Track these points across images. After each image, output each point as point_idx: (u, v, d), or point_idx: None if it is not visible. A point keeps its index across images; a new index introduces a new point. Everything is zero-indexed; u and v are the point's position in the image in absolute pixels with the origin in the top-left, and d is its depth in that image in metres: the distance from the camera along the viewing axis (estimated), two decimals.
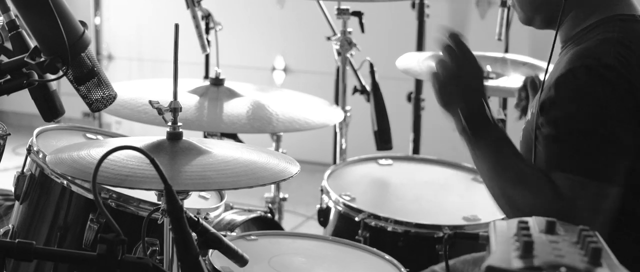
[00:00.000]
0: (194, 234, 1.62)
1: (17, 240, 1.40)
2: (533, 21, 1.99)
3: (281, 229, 2.78)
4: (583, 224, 1.58)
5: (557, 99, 1.79)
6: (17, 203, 2.35)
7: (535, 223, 1.34)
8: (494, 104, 3.29)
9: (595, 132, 1.76)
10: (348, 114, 3.28)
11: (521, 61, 3.16)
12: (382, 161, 3.03)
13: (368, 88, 3.25)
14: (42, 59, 1.62)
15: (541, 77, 2.19)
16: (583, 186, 1.73)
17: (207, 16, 3.29)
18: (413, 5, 3.92)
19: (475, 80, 1.84)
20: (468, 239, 1.59)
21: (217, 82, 2.71)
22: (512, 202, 1.79)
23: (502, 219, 1.83)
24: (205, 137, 2.90)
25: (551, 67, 1.92)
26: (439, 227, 2.51)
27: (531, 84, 2.22)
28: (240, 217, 2.58)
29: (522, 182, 1.78)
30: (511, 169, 1.80)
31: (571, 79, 1.78)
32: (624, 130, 1.76)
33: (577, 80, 1.77)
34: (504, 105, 3.66)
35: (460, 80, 1.82)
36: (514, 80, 2.96)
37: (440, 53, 1.83)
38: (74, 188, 2.22)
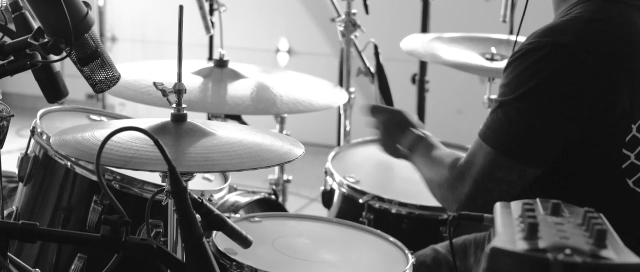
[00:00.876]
0: (197, 215, 1.61)
1: (20, 221, 1.40)
2: None
3: (285, 211, 2.78)
4: (476, 188, 1.84)
5: (508, 73, 1.82)
6: (20, 185, 2.36)
7: (540, 205, 1.34)
8: (498, 86, 3.27)
9: (527, 115, 1.77)
10: (352, 95, 3.27)
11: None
12: None
13: (372, 70, 3.24)
14: (46, 40, 1.62)
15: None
16: (488, 154, 1.82)
17: None
18: None
19: (397, 128, 2.21)
20: (473, 221, 1.59)
21: (221, 63, 2.70)
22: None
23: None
24: (209, 119, 2.89)
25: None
26: (442, 209, 2.51)
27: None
28: (244, 199, 2.58)
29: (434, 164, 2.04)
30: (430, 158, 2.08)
31: (524, 56, 1.78)
32: (560, 116, 1.76)
33: (529, 57, 1.77)
34: None
35: (388, 135, 2.21)
36: None
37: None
38: (78, 170, 2.22)
